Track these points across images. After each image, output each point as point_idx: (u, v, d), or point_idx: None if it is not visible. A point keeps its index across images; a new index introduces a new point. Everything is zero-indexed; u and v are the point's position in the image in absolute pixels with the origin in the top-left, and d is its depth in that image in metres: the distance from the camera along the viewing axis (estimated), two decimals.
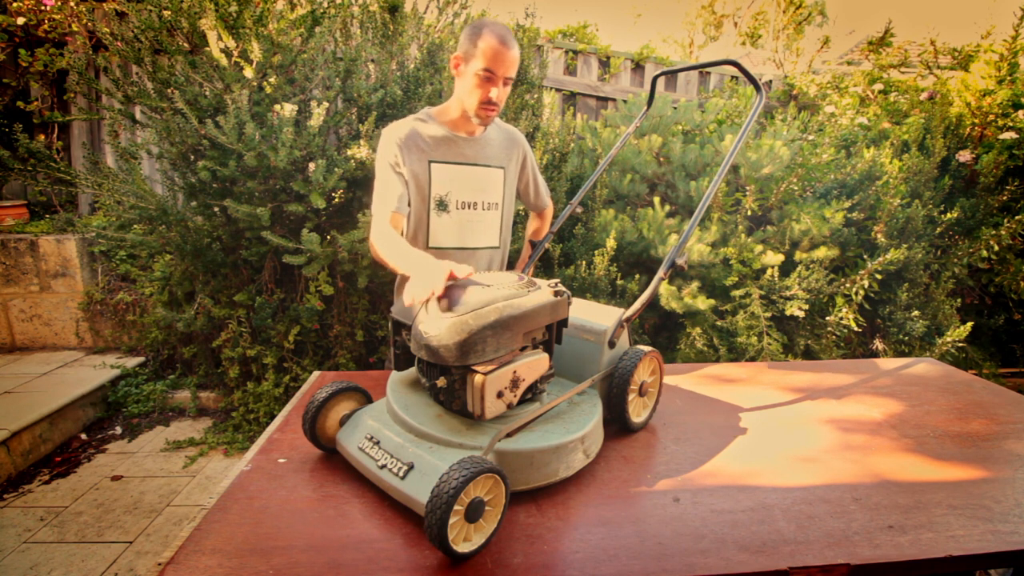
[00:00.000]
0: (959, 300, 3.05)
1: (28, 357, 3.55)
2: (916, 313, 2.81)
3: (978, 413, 1.32)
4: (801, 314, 2.64)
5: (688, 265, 2.73)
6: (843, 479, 1.02)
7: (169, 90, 2.60)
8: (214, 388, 3.28)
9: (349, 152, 2.63)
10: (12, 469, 2.53)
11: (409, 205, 1.52)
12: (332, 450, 1.03)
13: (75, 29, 3.78)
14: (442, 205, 1.55)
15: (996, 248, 2.90)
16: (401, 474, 0.87)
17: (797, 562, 0.79)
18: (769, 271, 2.69)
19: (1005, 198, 3.01)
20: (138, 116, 2.88)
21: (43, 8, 3.84)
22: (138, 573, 1.93)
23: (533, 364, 0.95)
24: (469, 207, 1.58)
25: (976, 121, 3.21)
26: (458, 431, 0.91)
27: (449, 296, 0.93)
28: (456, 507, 0.74)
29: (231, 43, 2.51)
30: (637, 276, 2.86)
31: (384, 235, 1.42)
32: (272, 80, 2.60)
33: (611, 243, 2.69)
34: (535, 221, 1.90)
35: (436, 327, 0.89)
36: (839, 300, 2.72)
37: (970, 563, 0.82)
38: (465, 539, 0.77)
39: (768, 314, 2.64)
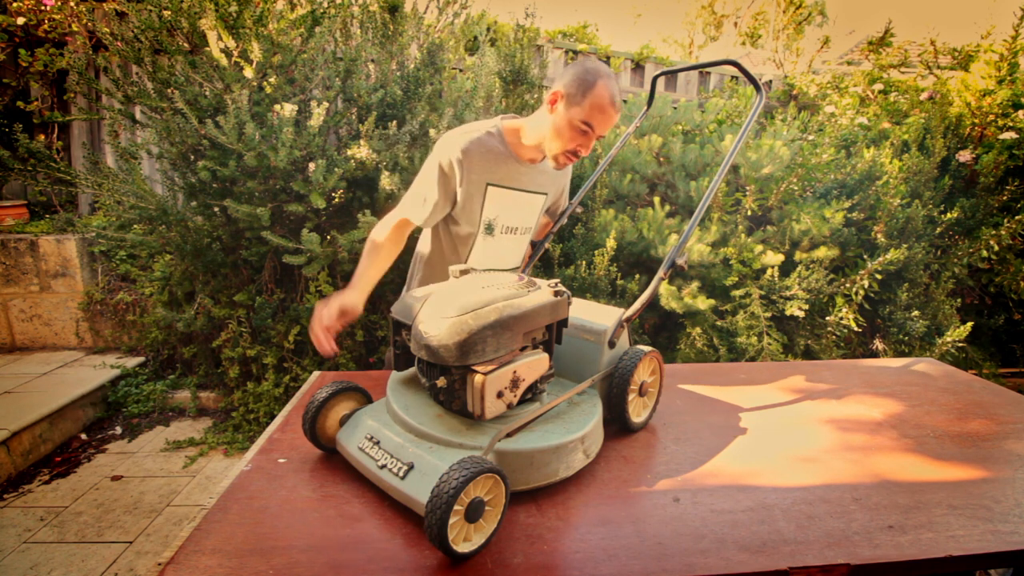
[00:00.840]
0: (959, 300, 3.05)
1: (28, 357, 3.55)
2: (916, 313, 2.81)
3: (978, 413, 1.32)
4: (801, 314, 2.64)
5: (688, 265, 2.73)
6: (843, 479, 1.02)
7: (169, 90, 2.60)
8: (214, 388, 3.28)
9: (349, 152, 2.63)
10: (12, 469, 2.53)
11: (456, 221, 1.48)
12: (332, 450, 1.03)
13: (75, 29, 3.78)
14: (489, 229, 1.50)
15: (996, 248, 2.90)
16: (401, 474, 0.87)
17: (797, 562, 0.79)
18: (769, 271, 2.69)
19: (1005, 198, 3.01)
20: (138, 116, 2.88)
21: (43, 8, 3.84)
22: (138, 573, 1.93)
23: (533, 364, 0.95)
24: (511, 232, 1.55)
25: (976, 121, 3.21)
26: (458, 431, 0.91)
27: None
28: (456, 507, 0.74)
29: (231, 43, 2.51)
30: (637, 276, 2.86)
31: (377, 236, 1.45)
32: (272, 80, 2.60)
33: (611, 243, 2.69)
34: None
35: (436, 327, 0.89)
36: (839, 300, 2.72)
37: (970, 563, 0.82)
38: (465, 539, 0.77)
39: (768, 314, 2.64)
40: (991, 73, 3.16)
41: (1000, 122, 3.14)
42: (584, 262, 2.78)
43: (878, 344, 2.91)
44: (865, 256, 2.77)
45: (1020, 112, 3.08)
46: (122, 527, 2.18)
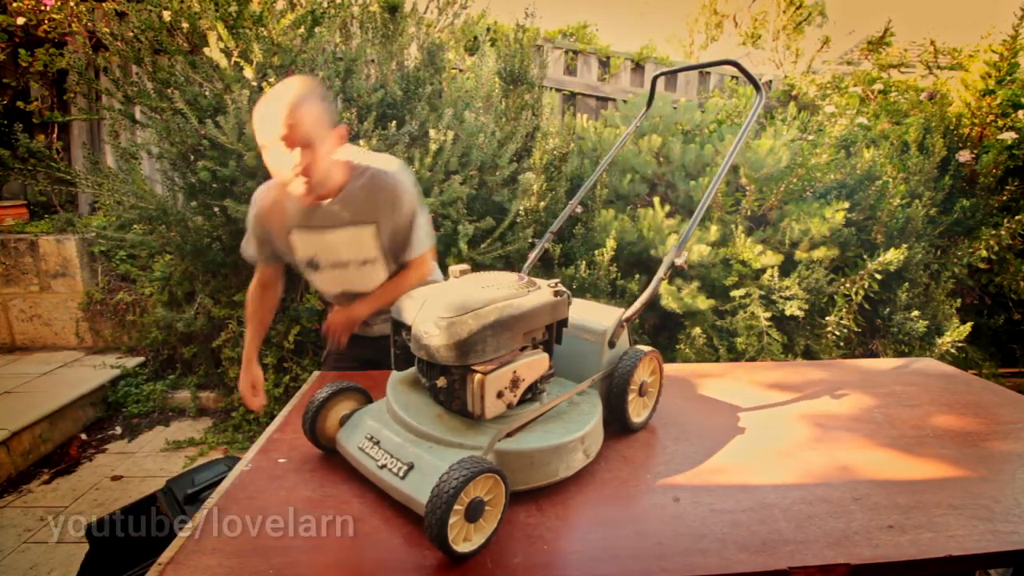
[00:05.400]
0: (959, 300, 3.04)
1: (28, 357, 3.55)
2: (916, 313, 2.81)
3: (978, 413, 1.32)
4: (801, 314, 2.64)
5: (688, 265, 2.73)
6: (843, 479, 1.02)
7: (169, 90, 2.60)
8: (214, 388, 3.28)
9: None
10: (12, 469, 2.53)
11: (273, 259, 1.59)
12: (332, 450, 1.03)
13: (75, 29, 3.78)
14: (312, 264, 1.50)
15: (996, 248, 2.90)
16: (401, 474, 0.87)
17: (797, 562, 0.79)
18: (769, 271, 2.69)
19: (1005, 198, 3.01)
20: (138, 116, 2.88)
21: (43, 8, 3.84)
22: None
23: (533, 364, 0.95)
24: (341, 266, 1.50)
25: (976, 121, 3.21)
26: (458, 431, 0.91)
27: None
28: (456, 507, 0.74)
29: (231, 43, 2.51)
30: (637, 276, 2.86)
31: (251, 288, 1.61)
32: (272, 80, 2.60)
33: (611, 243, 2.69)
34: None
35: (436, 327, 0.89)
36: (839, 300, 2.71)
37: (970, 563, 0.82)
38: (465, 539, 0.77)
39: (768, 314, 2.64)
40: (990, 73, 3.16)
41: (1000, 122, 3.13)
42: (584, 262, 2.78)
43: (878, 344, 2.91)
44: (865, 256, 2.77)
45: (1020, 112, 3.08)
46: None
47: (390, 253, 1.51)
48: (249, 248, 1.56)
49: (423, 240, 1.52)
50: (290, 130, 1.22)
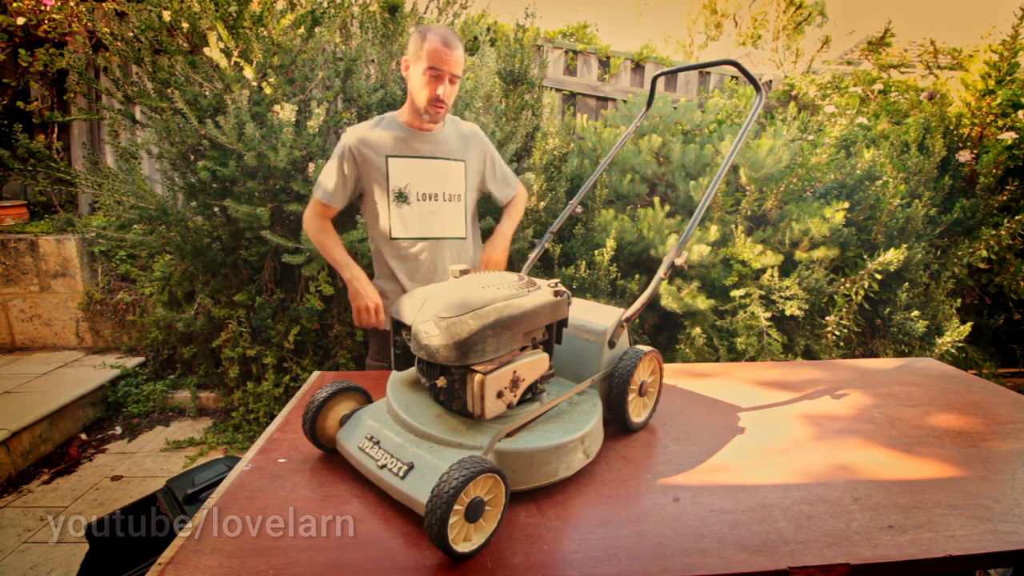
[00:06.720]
0: (959, 300, 3.05)
1: (28, 357, 3.55)
2: (916, 313, 2.81)
3: (978, 413, 1.32)
4: (801, 314, 2.64)
5: (688, 265, 2.73)
6: (842, 479, 1.02)
7: (169, 90, 2.60)
8: (214, 388, 3.28)
9: None
10: (12, 469, 2.53)
11: (350, 196, 1.70)
12: (332, 450, 1.03)
13: (75, 29, 3.78)
14: (401, 196, 1.65)
15: (996, 248, 2.90)
16: (401, 474, 0.87)
17: (797, 562, 0.79)
18: (769, 271, 2.69)
19: (1005, 198, 3.01)
20: (138, 116, 2.88)
21: (43, 8, 3.84)
22: None
23: (533, 364, 0.95)
24: (430, 198, 1.68)
25: (975, 121, 3.21)
26: (458, 431, 0.91)
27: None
28: (456, 507, 0.74)
29: (231, 43, 2.51)
30: (637, 276, 2.86)
31: (318, 227, 1.69)
32: (272, 80, 2.60)
33: (611, 243, 2.69)
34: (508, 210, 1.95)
35: (436, 327, 0.89)
36: (839, 300, 2.71)
37: (970, 563, 0.82)
38: (465, 539, 0.77)
39: (768, 314, 2.64)
40: (990, 73, 3.15)
41: (1000, 122, 3.13)
42: (584, 262, 2.78)
43: (878, 344, 2.91)
44: (865, 256, 2.77)
45: (1020, 112, 3.08)
46: None
47: (471, 201, 1.79)
48: (329, 184, 1.66)
49: (514, 178, 1.92)
50: (460, 68, 1.56)
